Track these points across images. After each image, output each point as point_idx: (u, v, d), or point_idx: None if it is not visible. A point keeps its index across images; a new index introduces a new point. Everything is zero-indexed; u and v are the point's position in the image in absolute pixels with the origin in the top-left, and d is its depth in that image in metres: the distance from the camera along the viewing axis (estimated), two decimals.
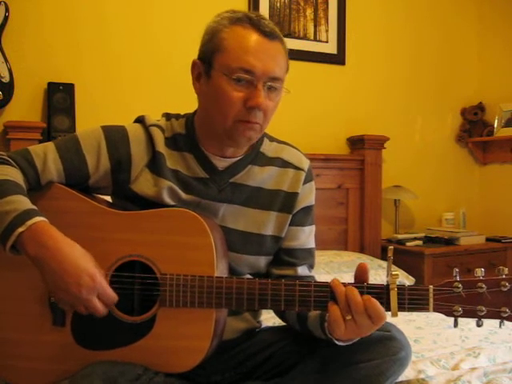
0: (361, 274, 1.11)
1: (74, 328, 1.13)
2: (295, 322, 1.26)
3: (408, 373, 1.39)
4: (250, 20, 1.16)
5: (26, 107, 2.45)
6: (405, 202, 3.26)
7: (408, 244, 2.96)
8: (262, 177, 1.28)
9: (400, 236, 3.06)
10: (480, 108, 3.41)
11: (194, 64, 1.23)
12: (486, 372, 1.47)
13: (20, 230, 1.02)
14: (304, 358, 1.23)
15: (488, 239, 3.11)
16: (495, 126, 3.31)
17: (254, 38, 1.15)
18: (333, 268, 2.50)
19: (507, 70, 3.35)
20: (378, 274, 2.56)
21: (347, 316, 1.04)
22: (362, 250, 2.96)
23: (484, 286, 1.03)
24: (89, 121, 2.35)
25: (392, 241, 3.06)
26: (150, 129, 1.24)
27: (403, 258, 2.79)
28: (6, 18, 2.35)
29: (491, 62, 3.46)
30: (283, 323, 1.35)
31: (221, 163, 1.25)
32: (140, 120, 1.28)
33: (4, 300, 1.16)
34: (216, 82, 1.16)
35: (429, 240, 3.08)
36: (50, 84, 2.41)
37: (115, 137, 1.22)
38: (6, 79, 2.31)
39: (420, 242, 3.01)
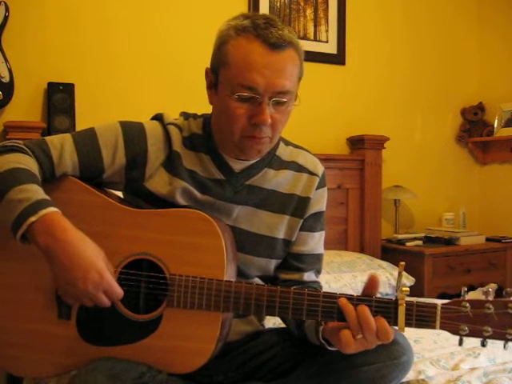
0: (370, 287, 1.08)
1: (80, 322, 1.13)
2: (293, 325, 1.26)
3: (408, 373, 1.39)
4: (256, 29, 1.10)
5: (25, 107, 2.45)
6: (405, 202, 3.26)
7: (408, 244, 2.96)
8: (276, 180, 1.28)
9: (400, 236, 3.05)
10: (480, 108, 3.41)
11: (206, 72, 1.21)
12: (486, 372, 1.47)
13: (32, 219, 1.01)
14: (306, 360, 1.23)
15: (488, 239, 3.11)
16: (495, 126, 3.31)
17: (257, 51, 1.09)
18: (333, 268, 2.50)
19: (507, 70, 3.35)
20: (378, 274, 2.55)
21: (358, 335, 1.03)
22: (362, 250, 2.96)
23: (492, 306, 1.03)
24: (89, 121, 2.34)
25: (392, 241, 3.06)
26: (167, 127, 1.24)
27: (403, 258, 2.78)
28: (6, 18, 2.34)
29: (491, 61, 3.46)
30: (285, 325, 1.35)
31: (237, 165, 1.25)
32: (158, 118, 1.28)
33: (10, 290, 1.16)
34: (222, 97, 1.15)
35: (429, 240, 3.07)
36: (49, 84, 2.41)
37: (133, 133, 1.22)
38: (6, 79, 2.31)
39: (420, 242, 3.00)
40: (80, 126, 2.40)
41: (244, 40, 1.11)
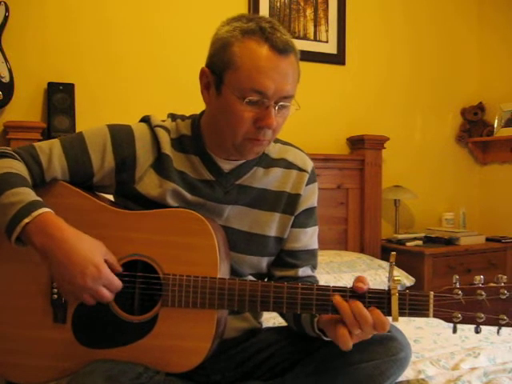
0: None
1: (75, 325, 1.13)
2: (291, 319, 1.26)
3: (408, 373, 1.39)
4: (263, 33, 1.11)
5: (25, 107, 2.45)
6: (405, 202, 3.26)
7: (408, 244, 2.96)
8: (267, 178, 1.29)
9: (400, 236, 3.06)
10: (480, 108, 3.41)
11: (202, 72, 1.20)
12: (486, 372, 1.47)
13: (26, 220, 1.02)
14: (304, 358, 1.23)
15: (488, 239, 3.11)
16: (495, 126, 3.31)
17: (267, 55, 1.10)
18: (333, 268, 2.50)
19: (507, 70, 3.35)
20: (378, 274, 2.56)
21: (356, 331, 1.04)
22: (362, 250, 2.96)
23: (483, 293, 1.04)
24: (89, 121, 2.36)
25: (392, 241, 3.06)
26: (155, 129, 1.24)
27: (403, 258, 2.79)
28: (5, 18, 2.35)
29: (491, 61, 3.46)
30: (284, 323, 1.35)
31: (227, 166, 1.25)
32: (146, 120, 1.28)
33: (4, 294, 1.16)
34: (226, 99, 1.13)
35: (429, 240, 3.08)
36: (50, 84, 2.41)
37: (121, 136, 1.22)
38: (6, 79, 2.31)
39: (420, 242, 3.00)
40: (80, 125, 2.40)
41: (253, 43, 1.11)
